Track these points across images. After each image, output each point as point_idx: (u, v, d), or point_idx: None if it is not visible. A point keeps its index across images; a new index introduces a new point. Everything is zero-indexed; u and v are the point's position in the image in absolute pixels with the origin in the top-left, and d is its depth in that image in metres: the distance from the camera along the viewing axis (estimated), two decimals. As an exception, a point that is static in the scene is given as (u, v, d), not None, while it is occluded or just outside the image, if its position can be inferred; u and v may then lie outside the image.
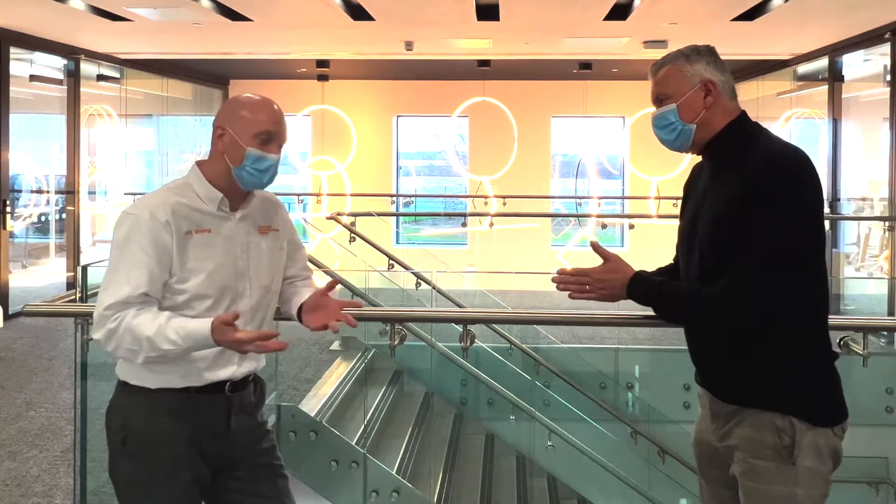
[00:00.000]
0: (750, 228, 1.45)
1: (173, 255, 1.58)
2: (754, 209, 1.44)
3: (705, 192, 1.62)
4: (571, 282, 1.67)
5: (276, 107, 1.68)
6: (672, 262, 1.80)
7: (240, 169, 1.64)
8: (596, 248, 1.72)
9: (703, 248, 1.55)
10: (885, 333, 4.72)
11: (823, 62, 6.56)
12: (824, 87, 6.53)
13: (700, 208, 1.61)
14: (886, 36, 5.40)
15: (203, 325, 1.54)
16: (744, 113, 1.63)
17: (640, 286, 1.62)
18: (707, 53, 1.63)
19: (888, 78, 5.50)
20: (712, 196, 1.57)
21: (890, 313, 4.92)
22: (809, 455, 1.46)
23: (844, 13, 5.22)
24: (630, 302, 1.69)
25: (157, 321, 1.54)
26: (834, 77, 6.42)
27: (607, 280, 1.64)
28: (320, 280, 2.03)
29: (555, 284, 1.69)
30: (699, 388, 1.70)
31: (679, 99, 1.62)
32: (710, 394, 1.64)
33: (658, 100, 1.67)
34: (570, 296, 1.69)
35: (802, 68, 7.24)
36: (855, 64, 6.42)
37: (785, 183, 1.45)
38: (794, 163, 1.47)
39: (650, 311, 1.69)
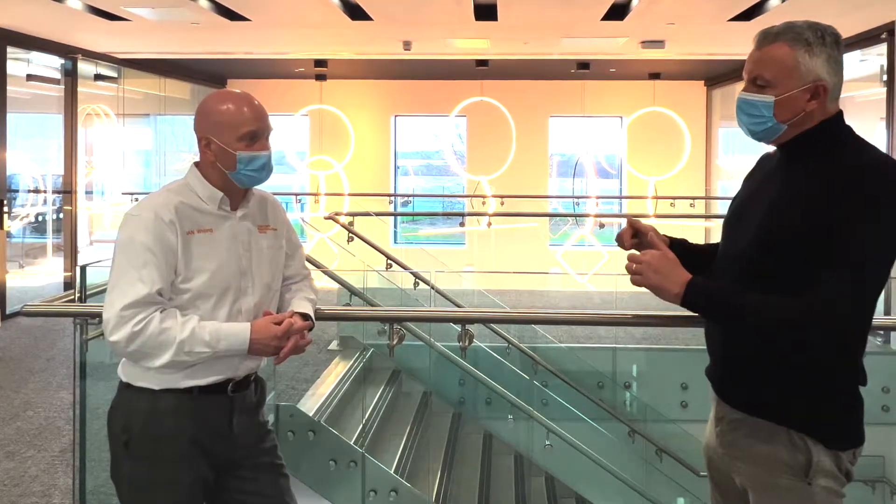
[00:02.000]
0: (845, 240, 1.30)
1: (178, 255, 1.58)
2: (852, 219, 1.30)
3: (771, 178, 1.47)
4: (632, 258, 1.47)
5: (252, 101, 1.65)
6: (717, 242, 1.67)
7: (236, 173, 1.64)
8: (638, 227, 1.57)
9: (756, 233, 1.42)
10: (882, 333, 4.73)
11: (820, 62, 6.58)
12: (821, 87, 6.54)
13: (760, 193, 1.47)
14: (883, 36, 5.41)
15: (241, 327, 1.61)
16: (840, 113, 1.44)
17: (704, 291, 1.40)
18: (832, 45, 1.40)
19: (884, 78, 5.52)
20: (782, 185, 1.42)
21: (886, 313, 4.93)
22: (825, 476, 1.39)
23: (841, 14, 5.23)
24: (626, 301, 1.63)
25: (189, 324, 1.56)
26: (831, 77, 6.44)
27: (663, 264, 1.42)
28: (319, 280, 2.03)
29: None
30: (710, 383, 1.59)
31: (781, 94, 1.38)
32: (717, 396, 1.54)
33: (753, 79, 1.42)
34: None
35: (799, 68, 7.25)
36: (851, 64, 6.43)
37: (891, 198, 1.31)
38: None
39: (645, 312, 1.63)
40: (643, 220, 1.67)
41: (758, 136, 1.46)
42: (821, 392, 1.41)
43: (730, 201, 1.63)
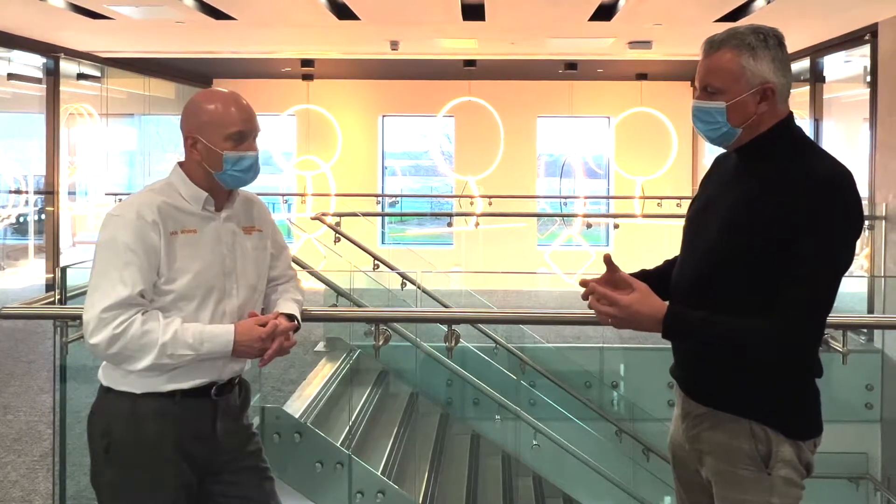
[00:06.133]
0: (803, 252, 1.34)
1: (161, 256, 1.56)
2: (807, 230, 1.34)
3: (729, 184, 1.50)
4: (597, 307, 1.46)
5: (241, 101, 1.64)
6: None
7: (222, 173, 1.62)
8: (609, 262, 1.50)
9: (713, 244, 1.47)
10: (865, 331, 4.78)
11: (805, 63, 6.63)
12: (806, 88, 6.60)
13: (718, 199, 1.51)
14: (867, 38, 5.46)
15: (224, 328, 1.59)
16: (791, 115, 1.48)
17: (680, 325, 1.43)
18: (776, 47, 1.43)
19: (868, 79, 5.57)
20: (738, 195, 1.46)
21: (869, 311, 4.98)
22: (785, 466, 1.44)
23: (826, 15, 5.28)
24: None
25: (171, 326, 1.54)
26: (815, 78, 6.49)
27: (636, 312, 1.42)
28: (305, 281, 2.01)
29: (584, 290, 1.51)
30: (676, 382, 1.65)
31: (731, 99, 1.43)
32: (683, 393, 1.59)
33: (704, 86, 1.47)
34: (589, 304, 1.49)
35: (784, 69, 7.31)
36: (836, 65, 6.49)
37: (842, 209, 1.36)
38: (851, 187, 1.38)
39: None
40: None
41: (715, 141, 1.51)
42: (780, 384, 1.46)
43: (689, 203, 1.66)
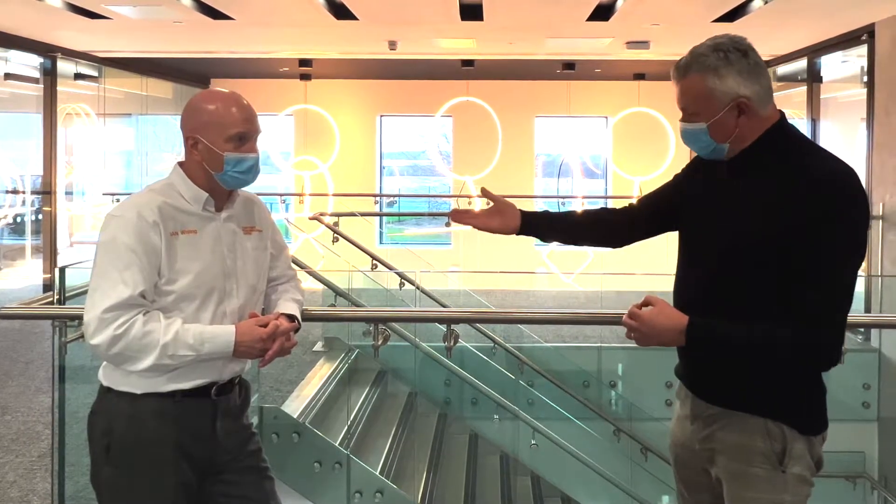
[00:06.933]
0: (818, 253, 1.34)
1: (162, 256, 1.56)
2: (819, 232, 1.34)
3: (729, 188, 1.49)
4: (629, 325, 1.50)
5: (242, 102, 1.63)
6: (625, 208, 1.78)
7: (222, 174, 1.62)
8: (487, 193, 1.76)
9: (717, 247, 1.47)
10: (862, 330, 4.79)
11: (802, 63, 6.65)
12: (803, 88, 6.61)
13: (718, 203, 1.50)
14: (863, 38, 5.48)
15: (225, 329, 1.59)
16: (782, 118, 1.47)
17: (704, 334, 1.43)
18: (739, 59, 1.41)
19: (865, 79, 5.59)
20: (739, 196, 1.46)
21: (866, 310, 4.99)
22: (799, 462, 1.44)
23: (823, 15, 5.29)
24: (611, 300, 1.65)
25: (172, 327, 1.54)
26: (812, 78, 6.51)
27: (656, 325, 1.45)
28: (304, 281, 2.02)
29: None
30: (679, 382, 1.64)
31: (709, 119, 1.44)
32: (692, 394, 1.58)
33: (683, 109, 1.50)
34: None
35: (782, 69, 7.33)
36: (833, 65, 6.51)
37: (850, 206, 1.36)
38: (856, 184, 1.38)
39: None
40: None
41: (708, 157, 1.52)
42: (791, 381, 1.46)
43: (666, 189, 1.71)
